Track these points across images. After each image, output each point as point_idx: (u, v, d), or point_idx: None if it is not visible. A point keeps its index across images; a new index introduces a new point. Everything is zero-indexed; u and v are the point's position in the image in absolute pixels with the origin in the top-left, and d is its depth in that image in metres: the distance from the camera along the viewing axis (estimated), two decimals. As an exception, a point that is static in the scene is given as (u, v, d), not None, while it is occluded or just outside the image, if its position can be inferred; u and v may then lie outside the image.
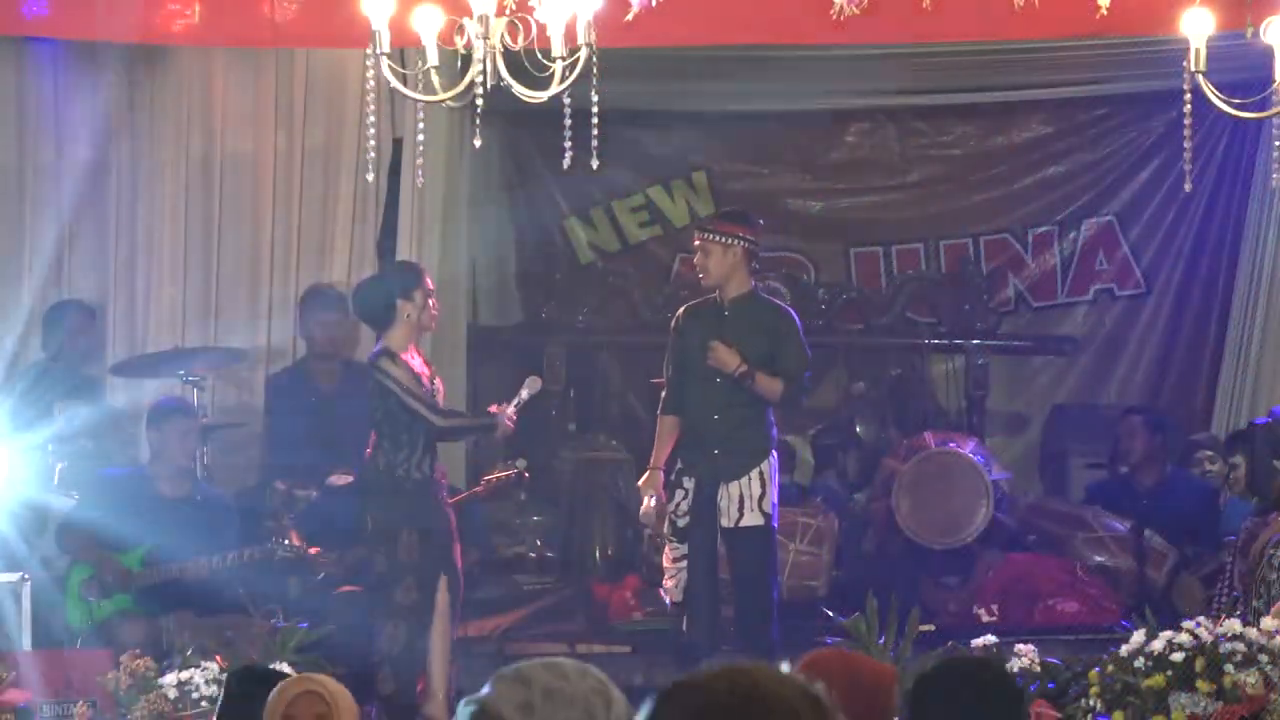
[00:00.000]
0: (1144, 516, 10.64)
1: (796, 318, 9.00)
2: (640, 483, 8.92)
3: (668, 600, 8.96)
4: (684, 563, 8.79)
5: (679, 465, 8.85)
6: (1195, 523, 10.79)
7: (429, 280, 8.89)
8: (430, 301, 8.80)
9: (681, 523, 8.79)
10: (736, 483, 8.67)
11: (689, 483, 8.77)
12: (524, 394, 8.93)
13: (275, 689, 5.40)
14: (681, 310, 9.12)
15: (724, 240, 8.81)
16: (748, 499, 8.64)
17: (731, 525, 8.68)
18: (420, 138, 7.84)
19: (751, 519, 8.64)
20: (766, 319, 8.85)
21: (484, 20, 6.69)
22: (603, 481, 10.81)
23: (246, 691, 5.58)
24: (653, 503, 8.73)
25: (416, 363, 8.76)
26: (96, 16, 9.03)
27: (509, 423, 8.78)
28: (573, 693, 3.11)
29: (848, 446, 12.00)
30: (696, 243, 8.94)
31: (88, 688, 8.19)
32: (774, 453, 8.78)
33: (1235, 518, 9.94)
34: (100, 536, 9.38)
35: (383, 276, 9.03)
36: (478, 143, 7.24)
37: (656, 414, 9.06)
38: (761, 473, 8.66)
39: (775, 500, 8.71)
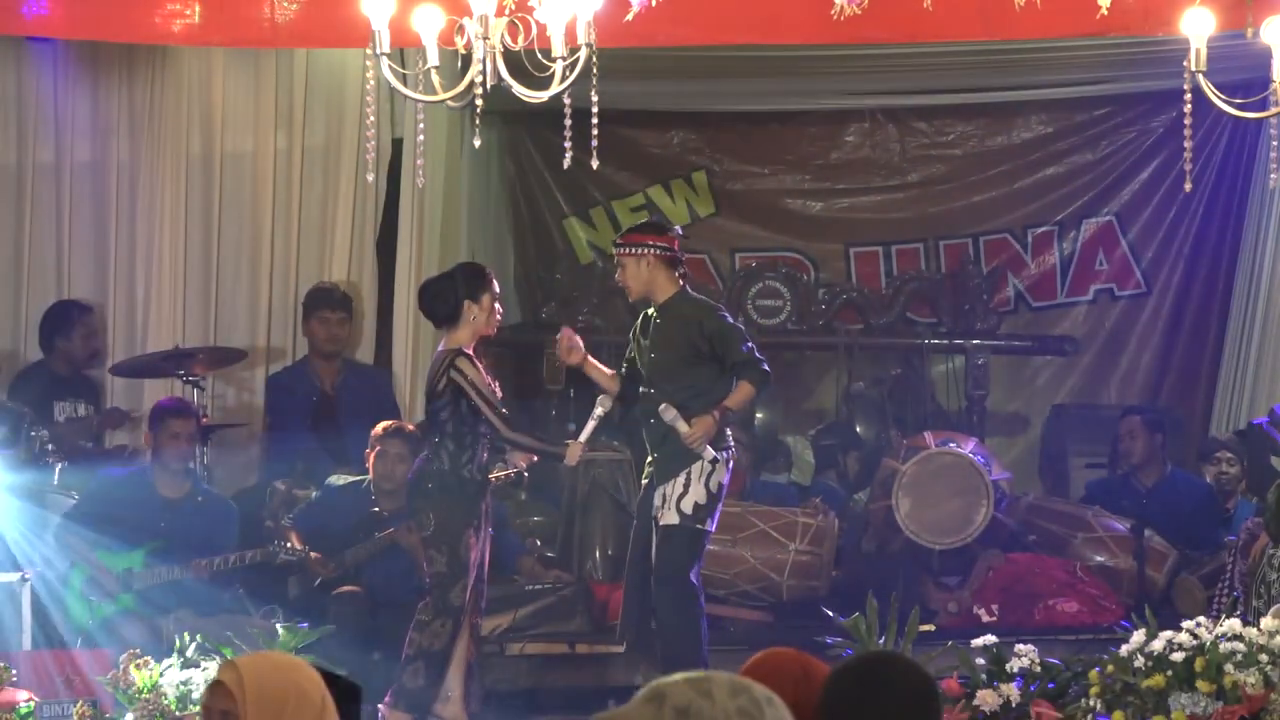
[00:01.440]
0: (1144, 516, 10.63)
1: (719, 307, 9.09)
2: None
3: None
4: None
5: None
6: (1195, 523, 10.78)
7: (496, 285, 8.87)
8: (496, 306, 8.80)
9: None
10: (663, 485, 8.77)
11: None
12: (598, 411, 8.95)
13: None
14: None
15: (634, 251, 8.87)
16: (669, 498, 8.72)
17: (656, 523, 8.80)
18: (420, 138, 7.86)
19: (668, 518, 8.73)
20: (690, 316, 8.89)
21: (484, 20, 6.70)
22: (603, 481, 10.78)
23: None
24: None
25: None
26: (96, 16, 9.03)
27: (581, 452, 8.88)
28: (712, 714, 2.95)
29: (848, 446, 11.99)
30: (615, 262, 9.00)
31: (88, 688, 8.18)
32: (721, 454, 8.77)
33: (1245, 519, 9.94)
34: (99, 538, 9.36)
35: (451, 276, 8.95)
36: (478, 143, 7.24)
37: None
38: (689, 474, 8.72)
39: (704, 501, 8.73)
